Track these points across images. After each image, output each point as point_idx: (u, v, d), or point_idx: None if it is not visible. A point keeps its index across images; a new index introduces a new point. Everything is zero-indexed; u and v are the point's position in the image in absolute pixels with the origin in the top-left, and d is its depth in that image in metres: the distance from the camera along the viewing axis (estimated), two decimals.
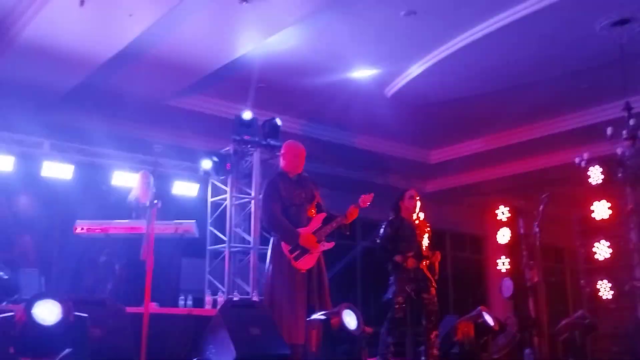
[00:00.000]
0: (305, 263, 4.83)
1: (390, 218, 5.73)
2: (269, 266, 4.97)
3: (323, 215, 5.02)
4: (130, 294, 6.32)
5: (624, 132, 6.03)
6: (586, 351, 5.40)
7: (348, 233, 5.15)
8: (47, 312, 3.25)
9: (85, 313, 3.49)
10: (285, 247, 4.84)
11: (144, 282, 4.51)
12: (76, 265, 7.52)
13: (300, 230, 4.86)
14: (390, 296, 5.56)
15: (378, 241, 5.72)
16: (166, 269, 7.51)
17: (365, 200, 5.02)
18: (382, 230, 5.69)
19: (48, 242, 7.60)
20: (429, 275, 5.53)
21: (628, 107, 6.12)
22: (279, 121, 8.07)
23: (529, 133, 9.30)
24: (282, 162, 5.17)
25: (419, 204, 5.72)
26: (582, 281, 6.28)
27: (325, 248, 4.96)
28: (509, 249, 6.58)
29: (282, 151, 5.25)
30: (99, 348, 3.54)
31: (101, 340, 3.64)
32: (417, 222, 5.67)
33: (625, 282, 5.66)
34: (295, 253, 4.82)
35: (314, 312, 4.72)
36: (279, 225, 4.89)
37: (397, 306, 5.48)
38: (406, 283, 5.49)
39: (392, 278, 5.61)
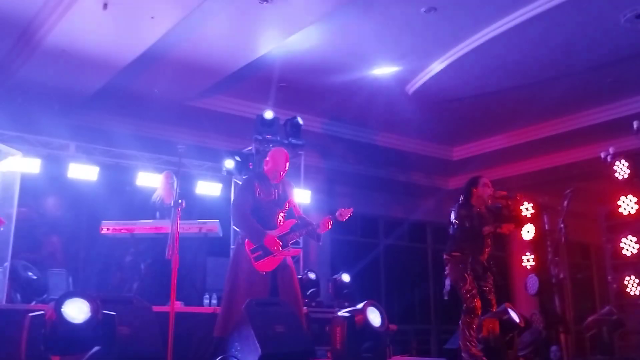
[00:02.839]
0: (266, 265, 4.78)
1: (461, 202, 5.38)
2: (231, 264, 4.95)
3: (292, 221, 4.99)
4: (156, 293, 6.41)
5: None
6: (614, 348, 5.32)
7: (320, 243, 5.09)
8: (76, 310, 3.31)
9: (113, 311, 3.54)
10: (248, 246, 4.81)
11: (169, 281, 4.57)
12: (102, 265, 7.62)
13: (267, 231, 4.83)
14: (449, 288, 5.21)
15: (455, 221, 5.31)
16: (191, 268, 7.58)
17: (343, 214, 4.95)
18: (453, 214, 5.34)
19: (75, 243, 7.71)
20: (488, 266, 5.25)
21: None
22: (300, 120, 8.09)
23: (553, 128, 9.19)
24: (265, 167, 5.15)
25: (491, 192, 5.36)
26: (609, 277, 6.19)
27: (290, 254, 4.92)
28: (534, 245, 6.51)
29: (267, 158, 5.19)
30: (126, 346, 3.60)
31: (129, 338, 3.69)
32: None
33: None
34: (257, 253, 4.78)
35: None
36: (246, 223, 4.86)
37: (467, 295, 5.09)
38: (465, 272, 5.13)
39: (447, 268, 5.28)
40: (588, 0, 5.95)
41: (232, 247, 8.54)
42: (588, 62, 7.30)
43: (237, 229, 5.06)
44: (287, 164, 5.11)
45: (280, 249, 4.81)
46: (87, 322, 3.26)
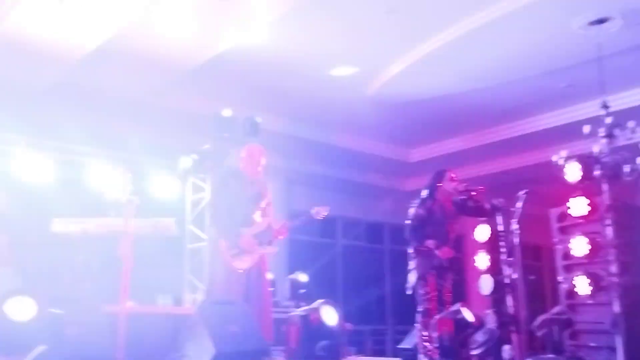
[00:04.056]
0: (242, 263, 4.78)
1: (424, 197, 5.37)
2: (209, 262, 4.96)
3: (269, 219, 4.98)
4: (108, 293, 6.27)
5: (601, 130, 6.09)
6: (564, 346, 5.43)
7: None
8: (20, 309, 3.20)
9: (61, 310, 3.44)
10: (224, 244, 4.79)
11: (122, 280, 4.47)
12: (53, 264, 7.43)
13: (242, 230, 4.81)
14: (414, 284, 5.23)
15: (408, 222, 5.32)
16: (145, 267, 7.45)
17: (319, 212, 4.96)
18: (412, 210, 5.33)
19: (24, 241, 7.49)
20: (449, 265, 5.28)
21: (605, 106, 6.17)
22: (259, 119, 8.04)
23: (508, 131, 9.38)
24: (241, 164, 5.12)
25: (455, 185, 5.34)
26: (559, 277, 6.32)
27: (267, 252, 4.91)
28: (488, 246, 6.60)
29: (243, 154, 5.18)
30: (74, 346, 3.50)
31: (77, 338, 3.59)
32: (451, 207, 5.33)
33: (602, 277, 5.71)
34: (233, 251, 4.78)
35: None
36: (222, 223, 4.86)
37: (425, 297, 5.15)
38: (428, 270, 5.17)
39: (413, 263, 5.27)
40: (542, 6, 6.07)
41: (188, 246, 8.45)
42: (541, 68, 7.46)
43: (214, 229, 5.02)
44: (264, 160, 5.09)
45: (258, 246, 4.77)
46: (32, 321, 3.15)
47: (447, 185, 5.35)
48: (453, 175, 5.39)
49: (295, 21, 6.37)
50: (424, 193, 5.41)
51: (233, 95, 8.02)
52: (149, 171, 8.28)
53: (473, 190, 5.35)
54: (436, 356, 5.12)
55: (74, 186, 7.72)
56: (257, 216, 4.96)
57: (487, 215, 5.66)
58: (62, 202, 7.20)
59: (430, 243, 5.18)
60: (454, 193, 5.38)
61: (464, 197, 5.41)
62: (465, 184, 5.39)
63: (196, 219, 8.42)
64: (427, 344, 5.15)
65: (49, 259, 7.45)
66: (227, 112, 7.84)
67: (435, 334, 5.14)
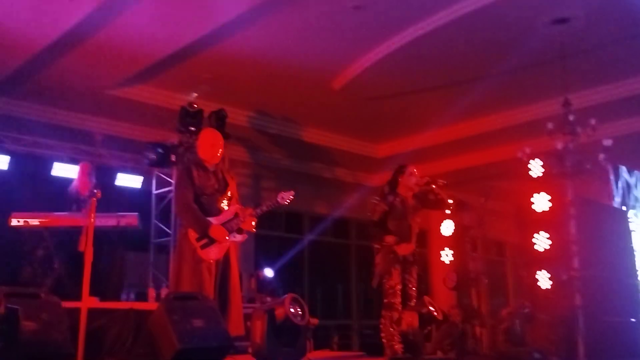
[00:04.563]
0: (212, 253, 4.74)
1: (385, 192, 5.39)
2: (175, 256, 4.89)
3: (237, 207, 4.96)
4: (70, 288, 6.14)
5: (564, 127, 6.20)
6: (526, 339, 5.53)
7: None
8: None
9: (18, 305, 3.35)
10: (192, 235, 4.75)
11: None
12: (10, 259, 7.26)
13: (211, 220, 4.79)
14: (379, 279, 5.24)
15: (371, 217, 5.36)
16: (109, 262, 7.34)
17: (284, 197, 4.95)
18: (374, 205, 5.36)
19: None
20: (414, 259, 5.30)
21: (567, 103, 6.29)
22: (226, 112, 7.97)
23: (473, 128, 9.46)
24: (199, 150, 5.07)
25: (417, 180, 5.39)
26: (522, 272, 6.42)
27: (236, 240, 4.90)
28: (453, 241, 6.68)
29: (199, 140, 5.14)
30: (31, 342, 3.41)
31: (34, 334, 3.50)
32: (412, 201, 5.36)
33: (563, 272, 5.82)
34: (202, 242, 4.73)
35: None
36: (190, 213, 4.79)
37: (390, 290, 5.16)
38: (393, 265, 5.18)
39: (378, 257, 5.29)
40: (508, 4, 6.13)
41: (153, 241, 8.35)
42: (506, 65, 7.54)
43: (181, 221, 4.95)
44: (221, 143, 5.02)
45: (227, 235, 4.76)
46: None
47: (408, 180, 5.40)
48: (414, 169, 5.43)
49: (263, 15, 6.31)
50: (386, 188, 5.44)
51: (199, 88, 7.92)
52: (114, 165, 8.16)
53: (434, 184, 5.40)
54: (401, 350, 5.16)
55: (35, 179, 7.56)
56: (223, 205, 4.91)
57: (449, 208, 5.72)
58: (23, 195, 7.05)
59: (389, 239, 5.21)
60: (415, 187, 5.42)
61: (425, 190, 5.45)
62: (426, 178, 5.44)
63: (161, 213, 8.32)
64: (392, 337, 5.18)
65: (6, 253, 7.29)
66: (193, 105, 7.76)
67: (400, 328, 5.16)
